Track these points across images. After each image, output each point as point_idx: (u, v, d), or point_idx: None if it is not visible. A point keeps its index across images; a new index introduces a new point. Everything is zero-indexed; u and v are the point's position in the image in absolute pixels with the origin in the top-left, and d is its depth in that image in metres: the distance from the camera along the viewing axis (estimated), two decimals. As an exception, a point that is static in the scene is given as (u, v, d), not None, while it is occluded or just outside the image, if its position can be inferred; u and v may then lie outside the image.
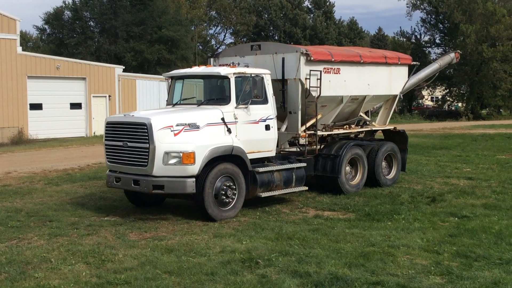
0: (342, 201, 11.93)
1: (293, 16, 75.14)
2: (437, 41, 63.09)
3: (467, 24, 53.85)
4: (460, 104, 61.20)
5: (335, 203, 11.73)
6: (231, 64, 11.62)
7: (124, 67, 36.02)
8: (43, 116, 31.59)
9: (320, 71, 12.48)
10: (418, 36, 63.30)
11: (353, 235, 9.03)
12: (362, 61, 13.68)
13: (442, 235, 9.03)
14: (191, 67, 12.64)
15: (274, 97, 11.69)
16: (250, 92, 11.18)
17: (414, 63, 15.62)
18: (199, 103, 11.50)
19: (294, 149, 12.79)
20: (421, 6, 61.58)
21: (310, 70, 12.33)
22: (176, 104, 11.93)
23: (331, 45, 40.01)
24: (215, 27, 73.39)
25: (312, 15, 78.14)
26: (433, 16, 61.69)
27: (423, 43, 63.35)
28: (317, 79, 12.39)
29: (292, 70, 12.23)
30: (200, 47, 70.67)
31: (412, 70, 16.02)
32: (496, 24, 53.24)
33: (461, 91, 59.03)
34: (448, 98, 61.63)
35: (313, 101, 12.49)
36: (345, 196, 12.47)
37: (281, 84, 12.30)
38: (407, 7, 69.49)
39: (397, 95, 15.08)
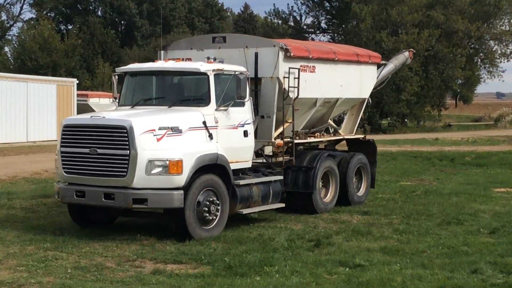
0: (193, 249, 11.99)
1: (124, -16, 75.00)
2: (323, 25, 66.14)
3: (361, 4, 56.99)
4: (353, 112, 64.29)
5: (182, 252, 11.75)
6: (208, 59, 13.70)
7: None
8: None
9: (298, 69, 14.86)
10: (298, 18, 65.97)
11: (207, 297, 9.09)
12: (336, 58, 16.35)
13: (328, 292, 9.38)
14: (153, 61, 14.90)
15: (251, 98, 13.90)
16: (230, 92, 13.33)
17: (383, 62, 19.21)
18: (170, 104, 13.45)
19: (260, 160, 14.91)
20: (302, -23, 64.27)
21: (289, 68, 14.68)
22: (136, 104, 13.85)
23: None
24: (8, -6, 70.92)
25: (151, -16, 78.51)
26: (317, -8, 64.58)
27: (305, 27, 66.08)
28: (295, 78, 14.70)
29: (268, 67, 14.51)
30: (-16, 23, 67.75)
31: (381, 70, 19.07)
32: (398, 5, 56.88)
33: (355, 95, 62.29)
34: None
35: (290, 103, 14.80)
36: (197, 242, 12.56)
37: (253, 84, 14.38)
38: (283, -23, 72.18)
39: (365, 99, 18.16)
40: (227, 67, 13.68)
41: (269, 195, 14.22)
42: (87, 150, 12.39)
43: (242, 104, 13.68)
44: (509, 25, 66.26)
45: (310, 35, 65.71)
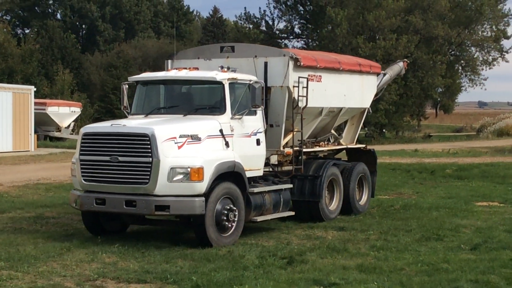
0: (158, 267, 11.96)
1: (85, -15, 74.82)
2: (296, 30, 66.47)
3: (336, 8, 57.37)
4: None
5: (147, 271, 11.72)
6: (222, 68, 14.85)
7: None
8: None
9: (307, 78, 16.05)
10: (270, 23, 66.22)
11: (173, 318, 9.08)
12: (341, 68, 17.62)
13: (301, 312, 9.42)
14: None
15: (263, 107, 14.98)
16: (244, 101, 14.47)
17: (383, 72, 20.47)
18: (185, 113, 14.51)
19: (266, 168, 15.83)
20: (274, -21, 64.52)
21: (299, 77, 15.83)
22: (150, 113, 14.93)
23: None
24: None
25: (115, -15, 78.38)
26: (291, -5, 64.83)
27: (277, 32, 66.30)
28: (303, 87, 15.87)
29: (277, 76, 15.66)
30: None
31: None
32: (375, 10, 57.32)
33: (330, 103, 62.56)
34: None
35: (299, 112, 16.00)
36: (163, 259, 12.53)
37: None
38: (255, -21, 72.39)
39: (366, 109, 19.50)
40: (241, 76, 14.83)
41: (280, 203, 15.33)
42: (107, 158, 13.38)
43: (254, 113, 14.80)
44: (491, 31, 67.08)
45: (283, 40, 66.02)
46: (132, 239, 14.25)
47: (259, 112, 14.98)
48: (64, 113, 48.76)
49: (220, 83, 14.41)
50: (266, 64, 15.70)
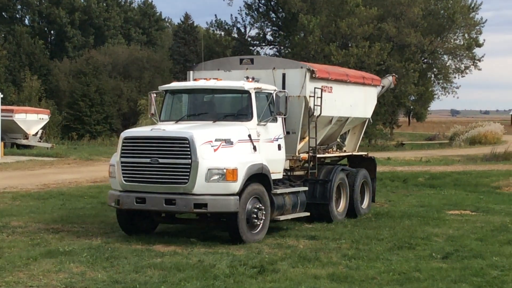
0: (127, 277, 11.92)
1: (54, -9, 74.42)
2: (269, 37, 66.68)
3: (309, 15, 57.64)
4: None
5: (115, 281, 11.68)
6: (247, 79, 16.34)
7: None
8: None
9: (321, 89, 17.61)
10: (242, 30, 66.37)
11: (142, 329, 9.06)
12: (348, 80, 19.37)
13: (272, 322, 9.43)
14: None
15: (287, 115, 16.30)
16: (268, 109, 15.98)
17: (382, 85, 22.08)
18: (214, 119, 15.95)
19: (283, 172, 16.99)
20: (246, -14, 64.67)
21: (314, 88, 17.41)
22: (180, 119, 16.33)
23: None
24: None
25: (84, -9, 78.04)
26: (263, 2, 65.06)
27: (249, 39, 66.47)
28: (317, 97, 17.43)
29: (295, 87, 17.15)
30: None
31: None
32: (348, 17, 57.68)
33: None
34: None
35: (313, 120, 17.57)
36: (132, 268, 12.48)
37: None
38: (226, -14, 72.49)
39: (367, 119, 21.20)
40: (264, 86, 16.31)
41: (298, 204, 16.74)
42: (147, 160, 14.62)
43: (276, 120, 16.25)
44: (463, 39, 67.74)
45: (255, 47, 66.17)
46: (101, 248, 14.19)
47: (280, 120, 16.35)
48: (32, 120, 48.38)
49: (247, 92, 15.80)
50: (284, 75, 17.15)
